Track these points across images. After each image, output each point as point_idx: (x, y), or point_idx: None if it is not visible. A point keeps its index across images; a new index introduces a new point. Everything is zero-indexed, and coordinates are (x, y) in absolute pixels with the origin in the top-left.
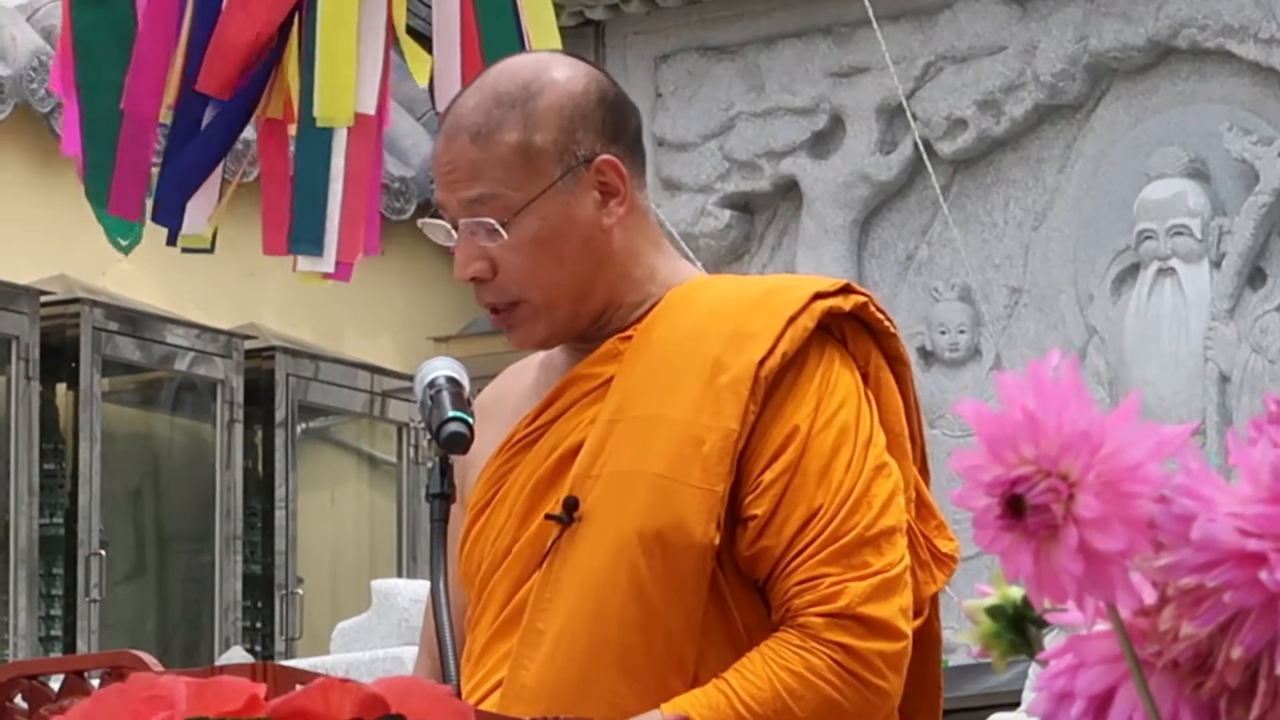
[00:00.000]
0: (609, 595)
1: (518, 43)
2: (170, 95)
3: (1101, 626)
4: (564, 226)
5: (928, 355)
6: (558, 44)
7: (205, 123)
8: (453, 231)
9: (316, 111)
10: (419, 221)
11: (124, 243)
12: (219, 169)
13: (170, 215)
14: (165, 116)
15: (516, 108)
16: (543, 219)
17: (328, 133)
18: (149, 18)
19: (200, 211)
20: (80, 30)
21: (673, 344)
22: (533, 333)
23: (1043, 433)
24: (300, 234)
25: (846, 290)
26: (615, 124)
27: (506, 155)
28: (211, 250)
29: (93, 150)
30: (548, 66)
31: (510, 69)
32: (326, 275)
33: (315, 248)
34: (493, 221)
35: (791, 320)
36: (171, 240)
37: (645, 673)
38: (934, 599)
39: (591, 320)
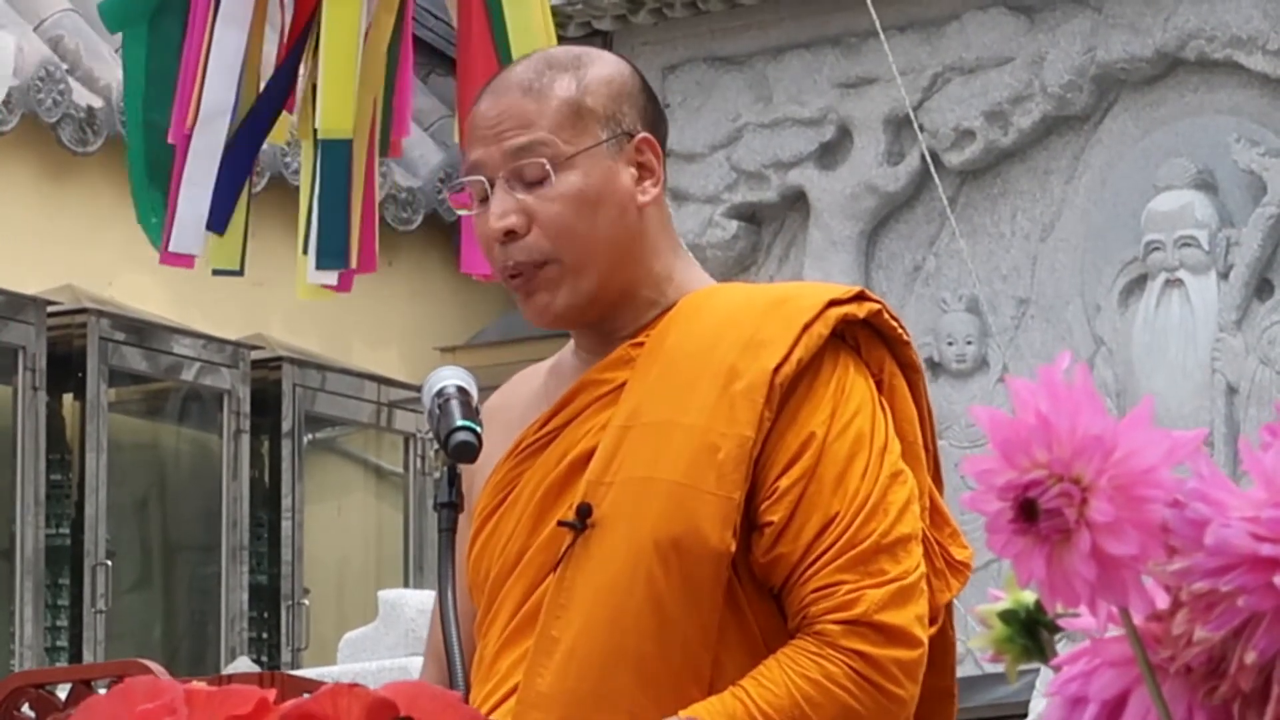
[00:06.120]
0: (625, 604)
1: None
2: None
3: (1114, 632)
4: (604, 189)
5: (935, 366)
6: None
7: (225, 144)
8: (489, 187)
9: (318, 124)
10: (448, 183)
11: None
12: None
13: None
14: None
15: (569, 71)
16: (586, 175)
17: (345, 145)
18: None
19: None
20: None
21: (686, 351)
22: (552, 302)
23: (1056, 437)
24: (326, 248)
25: (860, 298)
26: (654, 115)
27: (559, 107)
28: (241, 272)
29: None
30: (598, 52)
31: (560, 47)
32: (328, 287)
33: (339, 261)
34: (543, 161)
35: (806, 327)
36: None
37: (662, 681)
38: (948, 607)
39: (610, 304)
